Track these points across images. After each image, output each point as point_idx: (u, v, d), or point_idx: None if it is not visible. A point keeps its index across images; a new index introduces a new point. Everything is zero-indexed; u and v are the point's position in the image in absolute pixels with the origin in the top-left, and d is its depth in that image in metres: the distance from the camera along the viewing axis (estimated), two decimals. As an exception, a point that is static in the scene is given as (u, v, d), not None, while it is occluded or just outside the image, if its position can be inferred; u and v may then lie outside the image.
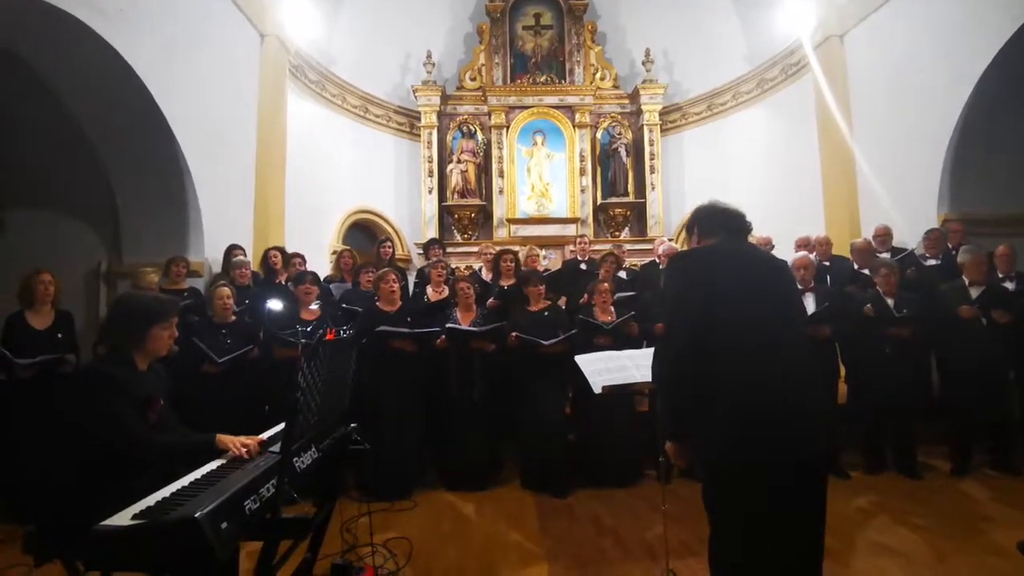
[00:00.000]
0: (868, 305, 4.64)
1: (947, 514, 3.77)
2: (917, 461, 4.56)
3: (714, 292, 1.92)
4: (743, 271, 2.01)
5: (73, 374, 2.07)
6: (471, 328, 4.58)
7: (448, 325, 4.56)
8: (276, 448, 2.14)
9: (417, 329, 4.53)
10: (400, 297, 4.76)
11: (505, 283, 5.46)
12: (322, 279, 6.00)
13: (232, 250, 5.70)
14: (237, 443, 2.18)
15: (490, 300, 5.24)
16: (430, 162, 9.30)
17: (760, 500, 1.78)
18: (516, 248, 6.16)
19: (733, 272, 1.99)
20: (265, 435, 2.42)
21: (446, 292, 5.31)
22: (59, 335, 4.22)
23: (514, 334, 4.56)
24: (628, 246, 8.17)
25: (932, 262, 5.43)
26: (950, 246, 5.47)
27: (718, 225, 2.17)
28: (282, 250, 6.02)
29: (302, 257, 5.87)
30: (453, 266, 7.72)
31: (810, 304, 4.67)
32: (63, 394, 2.20)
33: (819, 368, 2.03)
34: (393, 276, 4.73)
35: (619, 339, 4.46)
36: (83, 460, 2.10)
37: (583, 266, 6.56)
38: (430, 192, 9.23)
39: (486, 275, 6.15)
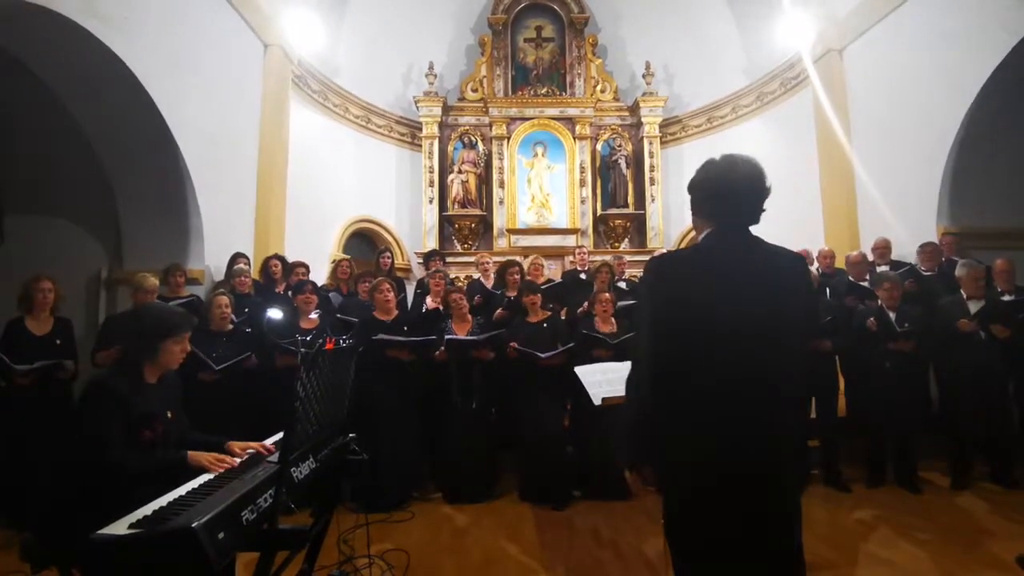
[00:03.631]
0: (871, 319, 4.64)
1: (947, 527, 3.76)
2: (917, 475, 4.55)
3: (683, 305, 1.67)
4: (725, 277, 1.68)
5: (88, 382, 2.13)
6: (470, 338, 4.58)
7: (447, 337, 4.56)
8: (274, 458, 2.13)
9: (413, 338, 4.53)
10: (396, 307, 4.77)
11: (511, 294, 5.47)
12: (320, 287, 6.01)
13: (236, 258, 5.70)
14: (208, 461, 2.16)
15: (498, 311, 5.27)
16: (431, 172, 9.32)
17: (716, 530, 1.63)
18: (520, 259, 6.17)
19: (712, 280, 1.68)
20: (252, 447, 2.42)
21: (444, 301, 5.33)
22: (57, 341, 4.23)
23: (513, 345, 4.56)
24: (628, 257, 8.15)
25: (928, 274, 5.45)
26: (945, 259, 5.50)
27: (714, 210, 1.78)
28: (283, 259, 6.02)
29: (306, 267, 5.85)
30: (452, 276, 7.74)
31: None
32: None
33: (797, 391, 1.76)
34: (387, 286, 4.73)
35: (621, 352, 4.45)
36: (78, 468, 2.10)
37: (583, 276, 6.58)
38: (431, 202, 9.25)
39: (486, 284, 6.17)
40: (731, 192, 1.73)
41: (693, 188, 1.83)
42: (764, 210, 1.77)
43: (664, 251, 7.77)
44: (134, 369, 2.28)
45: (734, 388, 1.61)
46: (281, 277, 5.80)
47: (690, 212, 1.88)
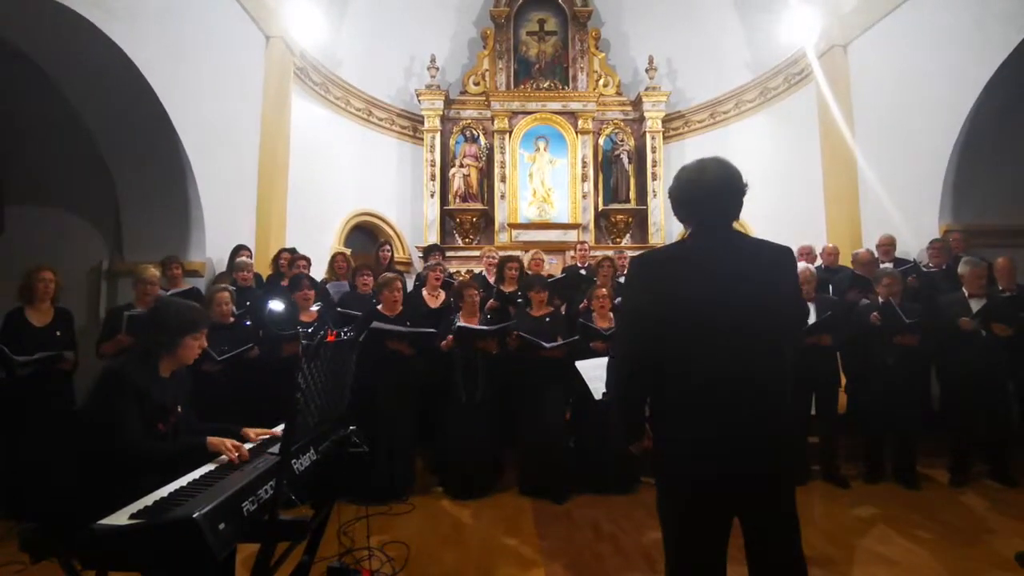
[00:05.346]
0: (875, 313, 4.62)
1: (946, 524, 3.76)
2: (916, 471, 4.56)
3: (667, 303, 1.73)
4: (707, 275, 1.73)
5: (100, 371, 2.15)
6: (482, 327, 4.56)
7: (459, 324, 4.53)
8: (275, 449, 2.13)
9: (413, 329, 4.51)
10: (401, 303, 4.76)
11: (507, 289, 5.45)
12: (319, 281, 5.99)
13: (238, 250, 5.69)
14: (227, 445, 2.18)
15: (490, 302, 5.24)
16: (432, 166, 9.31)
17: (711, 519, 1.71)
18: (519, 254, 6.14)
19: (694, 278, 1.73)
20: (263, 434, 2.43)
21: (442, 296, 5.30)
22: (58, 332, 4.22)
23: (515, 333, 4.55)
24: (629, 253, 8.16)
25: (931, 271, 5.44)
26: (951, 256, 5.48)
27: (689, 213, 1.86)
28: (294, 251, 6.01)
29: (307, 260, 5.82)
30: (453, 270, 7.72)
31: (811, 314, 4.65)
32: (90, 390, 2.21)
33: (786, 382, 1.77)
34: (400, 285, 4.72)
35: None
36: (84, 458, 2.10)
37: (583, 272, 6.56)
38: (432, 196, 9.24)
39: (489, 279, 6.15)
40: (703, 194, 1.80)
41: (670, 196, 1.91)
42: (741, 206, 1.82)
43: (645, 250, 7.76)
44: (150, 362, 2.30)
45: (720, 385, 1.66)
46: (288, 270, 5.79)
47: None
